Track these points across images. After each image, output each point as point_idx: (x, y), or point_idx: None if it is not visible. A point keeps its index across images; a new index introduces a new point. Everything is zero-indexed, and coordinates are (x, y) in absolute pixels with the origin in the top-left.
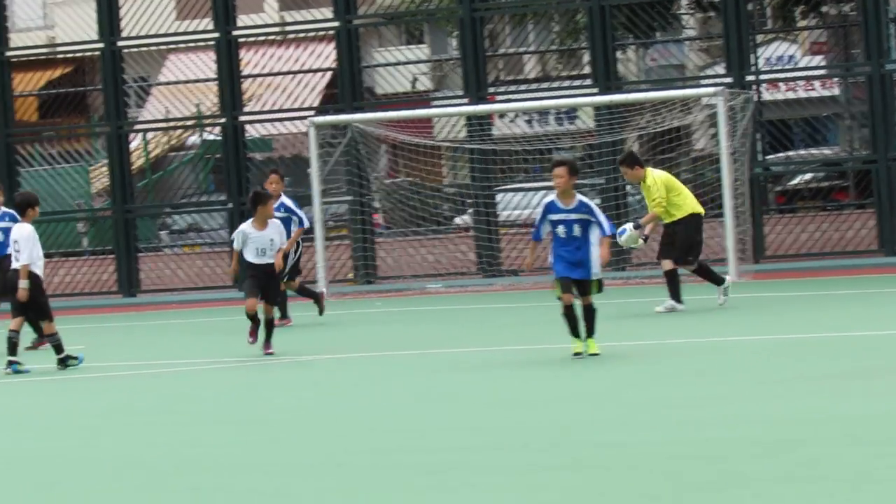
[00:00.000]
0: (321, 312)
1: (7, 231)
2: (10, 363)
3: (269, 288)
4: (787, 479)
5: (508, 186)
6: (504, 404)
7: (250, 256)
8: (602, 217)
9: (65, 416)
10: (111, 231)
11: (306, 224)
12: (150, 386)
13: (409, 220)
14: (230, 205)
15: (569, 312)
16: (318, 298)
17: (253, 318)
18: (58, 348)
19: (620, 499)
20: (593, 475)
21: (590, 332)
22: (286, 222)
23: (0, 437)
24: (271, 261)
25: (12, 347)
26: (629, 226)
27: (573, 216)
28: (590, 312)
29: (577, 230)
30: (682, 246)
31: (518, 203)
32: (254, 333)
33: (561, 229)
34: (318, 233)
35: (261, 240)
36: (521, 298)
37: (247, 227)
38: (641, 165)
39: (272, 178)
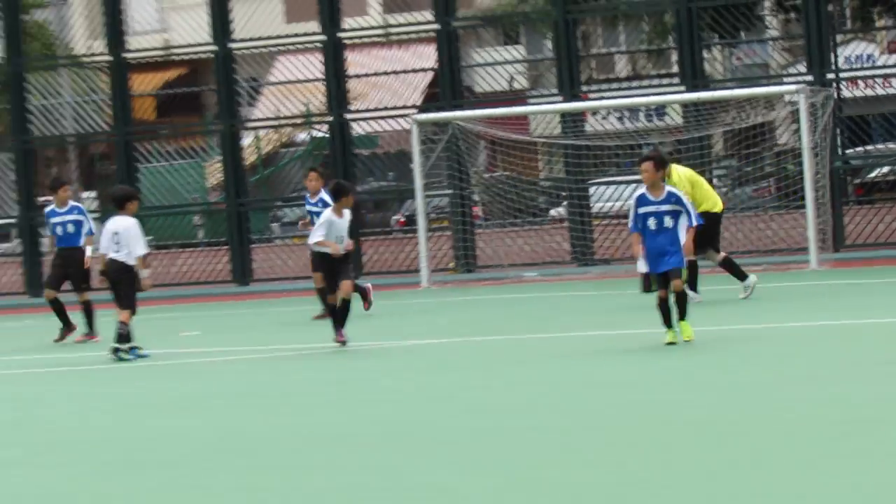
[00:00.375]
0: (368, 307)
1: (78, 224)
2: (131, 349)
3: (342, 268)
4: (864, 457)
5: (601, 179)
6: (595, 386)
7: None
8: (691, 206)
9: (187, 397)
10: (225, 223)
11: None
12: (265, 369)
13: (507, 212)
14: None
15: (663, 305)
16: (364, 293)
17: (333, 308)
18: (122, 338)
19: (704, 472)
20: (679, 451)
21: (682, 315)
22: None
23: (134, 416)
24: (343, 251)
25: (127, 336)
26: None
27: (664, 207)
28: (681, 297)
29: (667, 221)
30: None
31: (610, 195)
32: (341, 333)
33: (652, 221)
34: (421, 224)
35: (341, 227)
36: (613, 286)
37: (331, 215)
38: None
39: (311, 176)
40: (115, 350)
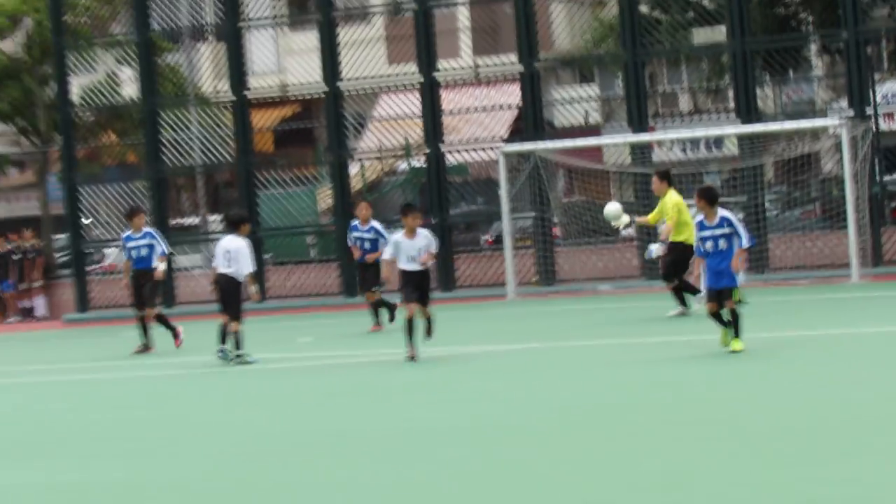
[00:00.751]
0: (392, 319)
1: (150, 248)
2: (221, 350)
3: (423, 291)
4: None
5: None
6: (662, 386)
7: (402, 263)
8: (742, 229)
9: (302, 395)
10: (334, 243)
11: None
12: (370, 371)
13: (583, 232)
14: (434, 220)
15: (716, 316)
16: (391, 307)
17: (411, 322)
18: (237, 344)
19: (764, 461)
20: (747, 443)
21: (735, 333)
22: (374, 243)
23: (256, 412)
24: (420, 267)
25: (225, 339)
26: (617, 206)
27: (718, 232)
28: (735, 316)
29: (722, 244)
30: (668, 267)
31: None
32: (412, 345)
33: (709, 245)
34: (507, 243)
35: (411, 248)
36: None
37: (399, 237)
38: (670, 183)
39: (361, 206)
40: (238, 356)
